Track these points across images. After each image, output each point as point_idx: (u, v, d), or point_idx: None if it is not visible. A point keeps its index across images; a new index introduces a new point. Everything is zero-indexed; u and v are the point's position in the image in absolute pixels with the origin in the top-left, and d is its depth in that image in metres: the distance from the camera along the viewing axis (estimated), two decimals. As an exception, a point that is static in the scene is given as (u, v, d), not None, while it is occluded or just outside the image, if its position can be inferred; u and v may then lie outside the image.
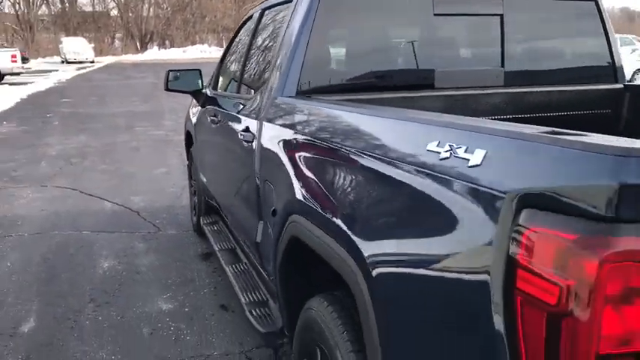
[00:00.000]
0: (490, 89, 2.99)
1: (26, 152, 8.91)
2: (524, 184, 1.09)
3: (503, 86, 3.03)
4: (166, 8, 55.23)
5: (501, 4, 3.00)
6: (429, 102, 2.83)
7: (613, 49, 3.23)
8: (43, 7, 53.35)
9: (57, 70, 29.40)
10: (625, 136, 2.02)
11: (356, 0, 2.89)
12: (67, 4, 53.78)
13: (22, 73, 23.39)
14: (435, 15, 2.93)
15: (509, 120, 2.86)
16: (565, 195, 1.01)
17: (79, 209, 5.76)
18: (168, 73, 4.10)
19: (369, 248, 1.57)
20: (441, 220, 1.28)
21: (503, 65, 3.05)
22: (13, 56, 22.09)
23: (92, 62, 38.01)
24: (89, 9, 55.48)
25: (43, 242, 4.78)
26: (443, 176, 1.30)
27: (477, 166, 1.21)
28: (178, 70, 4.18)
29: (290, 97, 2.59)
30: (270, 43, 3.05)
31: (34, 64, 34.21)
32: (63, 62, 37.96)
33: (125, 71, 28.81)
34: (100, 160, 8.36)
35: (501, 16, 3.02)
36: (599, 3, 3.19)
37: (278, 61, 2.73)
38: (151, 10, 54.94)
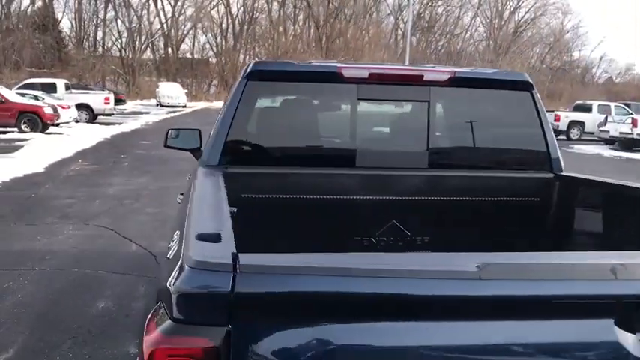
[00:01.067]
0: (413, 171, 3.07)
1: (87, 191, 9.59)
2: None
3: (427, 169, 3.10)
4: (260, 57, 57.74)
5: (429, 92, 3.11)
6: (348, 180, 2.96)
7: (548, 138, 3.23)
8: (148, 52, 57.27)
9: (148, 113, 31.34)
10: (551, 224, 2.04)
11: (281, 84, 3.11)
12: (169, 51, 57.38)
13: (113, 114, 25.14)
14: (358, 99, 3.09)
15: (432, 202, 2.93)
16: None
17: (106, 249, 6.17)
18: (168, 132, 4.43)
19: None
20: None
21: (428, 149, 3.12)
22: (106, 98, 23.89)
23: (184, 106, 40.15)
24: (189, 56, 58.90)
25: (60, 278, 5.17)
26: None
27: None
28: (179, 129, 4.50)
29: (211, 166, 2.83)
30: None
31: (131, 105, 36.63)
32: (157, 105, 40.33)
33: (210, 116, 30.19)
34: (150, 202, 8.87)
35: (429, 102, 3.12)
36: (534, 94, 3.22)
37: (211, 134, 2.99)
38: (247, 59, 57.62)
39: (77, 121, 22.62)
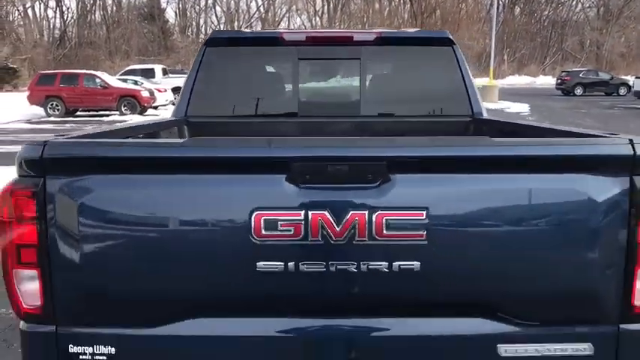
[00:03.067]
0: (346, 118, 3.53)
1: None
2: None
3: (359, 116, 3.55)
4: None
5: (359, 51, 3.55)
6: (289, 126, 3.49)
7: (468, 86, 3.55)
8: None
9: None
10: None
11: (234, 49, 3.66)
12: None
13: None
14: (299, 59, 3.59)
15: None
16: None
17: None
18: None
19: None
20: None
21: (360, 98, 3.57)
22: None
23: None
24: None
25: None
26: None
27: None
28: None
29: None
30: None
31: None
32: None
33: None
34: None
35: (360, 59, 3.56)
36: (455, 49, 3.56)
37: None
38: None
39: (173, 104, 24.22)
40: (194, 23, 58.08)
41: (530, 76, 51.20)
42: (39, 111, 20.67)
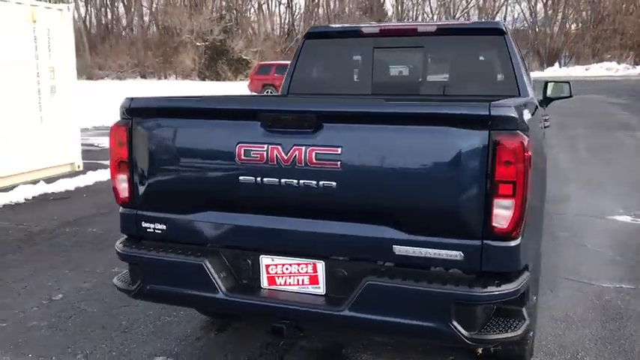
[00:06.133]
0: (409, 96, 4.31)
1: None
2: None
3: (419, 95, 4.31)
4: (578, 26, 54.45)
5: (422, 40, 4.31)
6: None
7: (516, 71, 4.09)
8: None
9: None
10: None
11: (327, 40, 4.64)
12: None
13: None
14: (374, 48, 4.46)
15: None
16: None
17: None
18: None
19: None
20: None
21: (420, 81, 4.33)
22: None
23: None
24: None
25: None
26: None
27: None
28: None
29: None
30: None
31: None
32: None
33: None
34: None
35: (423, 47, 4.32)
36: (506, 38, 4.11)
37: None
38: (566, 26, 54.93)
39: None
40: (410, 14, 59.33)
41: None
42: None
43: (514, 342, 2.88)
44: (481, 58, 4.34)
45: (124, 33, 55.99)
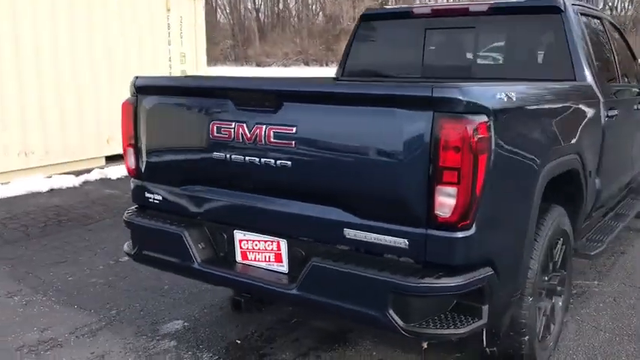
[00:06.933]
0: (459, 80, 4.09)
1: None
2: None
3: (470, 78, 4.08)
4: None
5: (474, 20, 4.07)
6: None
7: (571, 50, 3.69)
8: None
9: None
10: None
11: (382, 22, 4.55)
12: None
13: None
14: (425, 29, 4.29)
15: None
16: None
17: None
18: None
19: None
20: None
21: (472, 63, 4.10)
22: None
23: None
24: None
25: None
26: None
27: None
28: None
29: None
30: None
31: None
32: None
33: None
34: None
35: (474, 28, 4.07)
36: (563, 16, 3.73)
37: None
38: None
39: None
40: None
41: None
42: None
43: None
44: (535, 38, 3.98)
45: (291, 22, 58.44)
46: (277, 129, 2.64)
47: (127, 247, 3.36)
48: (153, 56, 9.54)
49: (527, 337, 2.95)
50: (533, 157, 2.70)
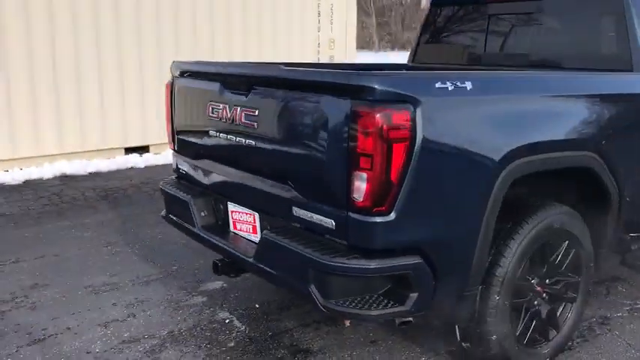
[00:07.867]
0: (517, 68, 3.91)
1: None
2: None
3: (526, 66, 3.89)
4: None
5: (537, 6, 3.89)
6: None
7: (631, 39, 3.34)
8: None
9: None
10: None
11: (450, 7, 4.46)
12: None
13: None
14: (489, 15, 4.15)
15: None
16: None
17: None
18: None
19: None
20: None
21: (529, 50, 3.96)
22: None
23: None
24: None
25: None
26: None
27: None
28: None
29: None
30: None
31: None
32: None
33: None
34: None
35: (535, 13, 3.90)
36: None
37: None
38: None
39: None
40: None
41: None
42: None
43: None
44: (595, 26, 3.62)
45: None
46: (246, 111, 2.89)
47: (162, 211, 3.85)
48: (301, 42, 10.10)
49: (494, 337, 2.84)
50: (489, 150, 2.59)
